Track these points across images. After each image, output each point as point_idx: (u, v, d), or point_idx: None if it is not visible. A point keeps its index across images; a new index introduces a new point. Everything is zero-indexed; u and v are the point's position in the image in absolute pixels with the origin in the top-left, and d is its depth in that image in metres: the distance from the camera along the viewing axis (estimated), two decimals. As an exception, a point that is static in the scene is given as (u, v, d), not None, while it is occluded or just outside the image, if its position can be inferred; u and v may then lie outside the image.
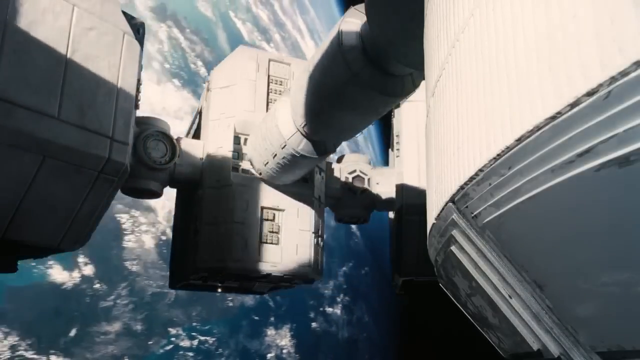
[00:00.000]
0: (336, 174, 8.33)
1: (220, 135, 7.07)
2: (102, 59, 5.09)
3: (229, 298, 34.25)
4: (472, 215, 1.89)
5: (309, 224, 7.19)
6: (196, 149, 7.12)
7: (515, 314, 1.91)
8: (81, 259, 29.16)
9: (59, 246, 5.34)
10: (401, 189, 8.39)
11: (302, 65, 7.42)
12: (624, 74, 1.14)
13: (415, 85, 4.59)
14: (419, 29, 2.83)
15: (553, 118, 1.34)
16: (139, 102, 5.89)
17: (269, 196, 6.99)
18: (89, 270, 29.24)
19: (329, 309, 38.52)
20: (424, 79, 3.13)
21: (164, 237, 32.54)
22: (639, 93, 1.13)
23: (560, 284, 1.66)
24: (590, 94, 1.23)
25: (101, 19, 5.13)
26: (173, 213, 8.41)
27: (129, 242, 31.14)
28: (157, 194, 6.82)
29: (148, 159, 6.39)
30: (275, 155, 6.29)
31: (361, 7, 4.28)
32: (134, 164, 6.19)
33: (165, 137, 6.61)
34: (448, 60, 2.07)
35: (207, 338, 33.18)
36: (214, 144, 7.07)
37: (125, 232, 31.11)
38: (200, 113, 7.83)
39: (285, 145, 6.01)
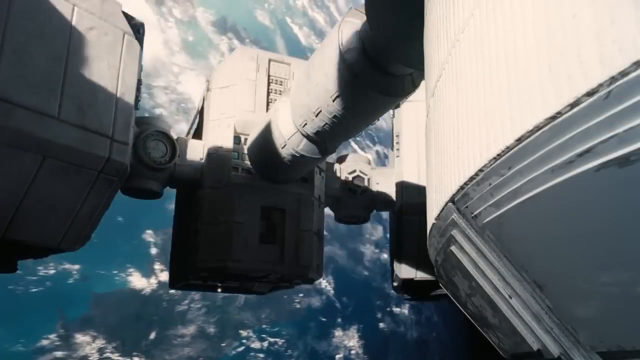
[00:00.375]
0: (336, 174, 8.33)
1: (220, 135, 7.06)
2: (102, 59, 5.09)
3: (296, 300, 35.20)
4: (472, 215, 1.89)
5: (309, 224, 7.18)
6: (196, 149, 7.12)
7: (515, 314, 1.91)
8: (157, 266, 31.00)
9: (59, 246, 5.33)
10: (401, 188, 8.39)
11: (302, 65, 7.42)
12: (624, 74, 1.14)
13: (415, 85, 4.59)
14: (419, 29, 2.83)
15: (553, 118, 1.34)
16: (139, 102, 5.89)
17: (269, 196, 6.98)
18: (164, 276, 30.76)
19: (397, 309, 38.12)
20: (424, 79, 3.12)
21: (231, 243, 34.42)
22: (639, 93, 1.13)
23: (560, 284, 1.66)
24: (590, 94, 1.23)
25: (101, 19, 5.13)
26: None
27: (199, 248, 32.87)
28: (157, 194, 6.82)
29: (148, 159, 6.38)
30: (276, 154, 6.29)
31: (361, 7, 4.28)
32: (134, 164, 6.19)
33: (165, 137, 6.61)
34: (448, 60, 2.07)
35: (277, 339, 34.24)
36: (214, 144, 7.06)
37: (195, 239, 32.81)
38: (200, 113, 7.83)
39: (285, 145, 6.01)
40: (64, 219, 5.19)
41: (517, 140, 1.48)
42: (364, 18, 4.19)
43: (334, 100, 4.83)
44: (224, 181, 6.85)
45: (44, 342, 28.05)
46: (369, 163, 8.72)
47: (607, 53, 1.18)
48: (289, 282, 7.75)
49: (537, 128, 1.39)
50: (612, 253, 1.36)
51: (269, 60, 7.38)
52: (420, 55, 2.80)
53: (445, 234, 2.19)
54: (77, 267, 30.39)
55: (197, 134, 7.74)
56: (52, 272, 30.26)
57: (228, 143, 7.00)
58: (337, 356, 35.66)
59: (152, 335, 30.28)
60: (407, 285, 8.45)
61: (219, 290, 8.35)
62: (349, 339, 36.25)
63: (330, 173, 8.16)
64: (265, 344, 33.36)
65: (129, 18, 5.57)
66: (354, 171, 8.40)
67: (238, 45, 36.44)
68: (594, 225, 1.37)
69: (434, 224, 2.31)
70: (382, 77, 4.39)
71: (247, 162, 7.04)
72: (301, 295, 35.55)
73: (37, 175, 4.65)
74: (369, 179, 8.45)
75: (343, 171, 8.39)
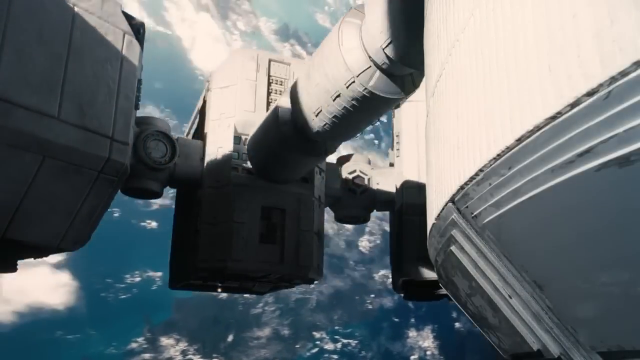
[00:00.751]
0: (337, 174, 8.33)
1: (220, 135, 7.06)
2: (102, 59, 5.09)
3: (368, 301, 35.50)
4: (472, 215, 1.89)
5: (309, 224, 7.18)
6: (196, 149, 7.12)
7: (515, 314, 1.91)
8: (232, 271, 33.10)
9: (59, 246, 5.33)
10: (401, 188, 8.39)
11: (302, 66, 7.42)
12: (624, 74, 1.14)
13: (415, 85, 4.59)
14: (419, 29, 2.83)
15: (553, 118, 1.34)
16: (139, 102, 5.89)
17: (269, 196, 6.98)
18: (239, 280, 32.79)
19: (473, 308, 37.99)
20: (424, 78, 3.12)
21: (301, 247, 35.77)
22: (639, 93, 1.13)
23: (560, 284, 1.66)
24: (590, 94, 1.22)
25: (101, 19, 5.13)
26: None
27: (271, 252, 34.72)
28: (157, 194, 6.82)
29: (148, 159, 6.39)
30: (276, 154, 6.29)
31: (361, 7, 4.28)
32: (134, 164, 6.19)
33: (165, 137, 6.61)
34: (448, 60, 2.07)
35: (350, 341, 34.98)
36: (214, 144, 7.07)
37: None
38: (200, 113, 7.83)
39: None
40: (64, 219, 5.19)
41: (517, 140, 1.48)
42: (364, 18, 4.19)
43: (334, 100, 4.83)
44: (224, 181, 6.85)
45: (133, 345, 30.31)
46: (369, 163, 8.72)
47: (607, 53, 1.18)
48: (289, 282, 7.75)
49: (537, 128, 1.39)
50: (612, 253, 1.36)
51: (269, 61, 7.39)
52: (421, 55, 2.80)
53: (445, 234, 2.19)
54: (159, 274, 32.26)
55: (197, 134, 7.74)
56: (137, 279, 32.43)
57: (228, 143, 7.00)
58: (412, 357, 35.57)
59: (230, 338, 31.91)
60: (408, 286, 8.45)
61: (219, 290, 8.34)
62: (424, 340, 36.00)
63: (330, 173, 8.16)
64: (339, 345, 34.19)
65: (129, 18, 5.57)
66: (354, 171, 8.40)
67: (301, 51, 37.00)
68: (594, 225, 1.37)
69: (434, 224, 2.31)
70: (382, 76, 4.39)
71: (247, 162, 7.04)
72: (372, 295, 35.82)
73: (37, 175, 4.65)
74: (369, 179, 8.45)
75: (343, 171, 8.40)
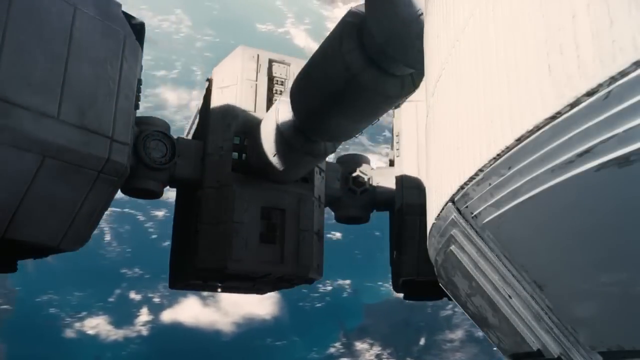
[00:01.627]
0: (336, 174, 8.33)
1: (220, 135, 7.07)
2: (102, 59, 5.09)
3: None
4: (472, 215, 1.89)
5: (309, 224, 7.18)
6: (196, 149, 7.12)
7: (515, 314, 1.91)
8: (415, 272, 34.13)
9: (59, 246, 5.33)
10: (401, 188, 8.38)
11: (302, 66, 7.42)
12: (623, 74, 1.14)
13: (415, 85, 4.58)
14: (419, 29, 2.83)
15: (553, 118, 1.34)
16: (139, 102, 5.88)
17: (269, 196, 6.98)
18: (423, 283, 33.68)
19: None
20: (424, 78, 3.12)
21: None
22: (638, 93, 1.13)
23: (560, 284, 1.66)
24: (590, 94, 1.23)
25: (101, 19, 5.13)
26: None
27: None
28: (157, 194, 6.81)
29: (148, 159, 6.38)
30: (276, 154, 6.29)
31: (361, 7, 4.28)
32: (134, 164, 6.18)
33: (165, 137, 6.61)
34: (448, 60, 2.07)
35: None
36: (214, 144, 7.07)
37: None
38: (200, 113, 7.82)
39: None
40: (64, 219, 5.19)
41: (517, 140, 1.48)
42: (364, 18, 4.19)
43: (334, 100, 4.83)
44: (224, 181, 6.84)
45: (332, 350, 32.46)
46: (369, 163, 8.72)
47: (606, 53, 1.18)
48: (289, 282, 7.75)
49: (537, 128, 1.39)
50: (611, 253, 1.36)
51: (270, 61, 7.39)
52: (420, 55, 2.80)
53: (445, 233, 2.19)
54: (348, 282, 34.29)
55: (197, 134, 7.74)
56: (329, 288, 34.45)
57: (228, 143, 7.00)
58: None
59: (422, 341, 32.56)
60: (408, 286, 8.44)
61: (219, 290, 8.34)
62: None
63: (330, 173, 8.16)
64: (539, 345, 34.48)
65: (129, 18, 5.56)
66: (354, 171, 8.40)
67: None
68: (594, 225, 1.37)
69: (434, 223, 2.31)
70: (382, 77, 4.39)
71: (248, 162, 7.03)
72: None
73: (37, 175, 4.65)
74: (369, 179, 8.45)
75: (343, 171, 8.39)
